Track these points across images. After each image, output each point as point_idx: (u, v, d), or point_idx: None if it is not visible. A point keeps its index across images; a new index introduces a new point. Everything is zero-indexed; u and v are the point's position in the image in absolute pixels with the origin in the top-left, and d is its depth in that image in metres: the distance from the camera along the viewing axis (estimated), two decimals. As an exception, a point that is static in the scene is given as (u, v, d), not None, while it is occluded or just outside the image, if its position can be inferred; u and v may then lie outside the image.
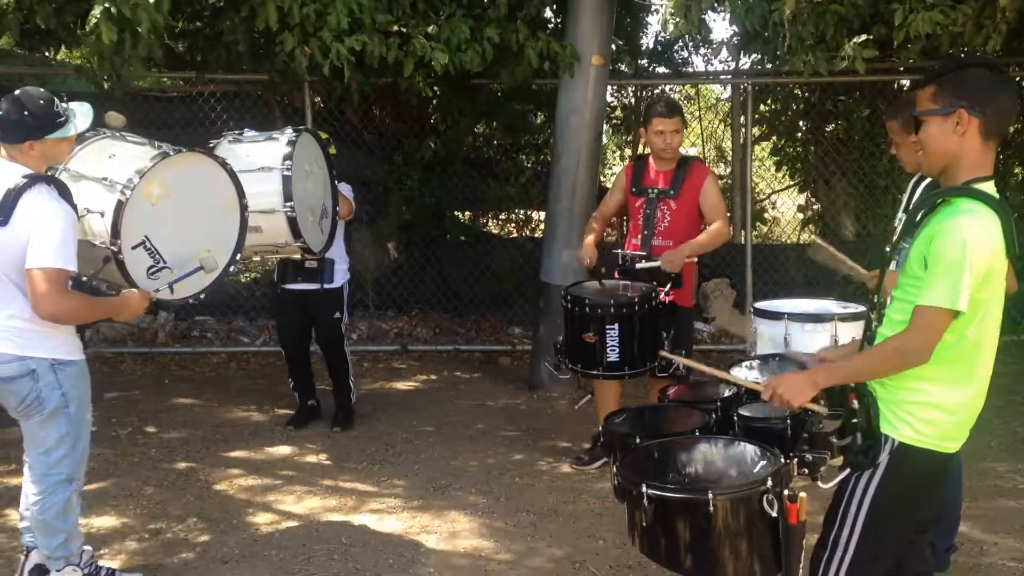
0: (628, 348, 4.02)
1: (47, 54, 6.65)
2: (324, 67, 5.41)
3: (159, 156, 3.44)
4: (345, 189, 5.42)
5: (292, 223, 4.44)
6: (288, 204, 4.38)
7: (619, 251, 4.68)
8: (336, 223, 5.03)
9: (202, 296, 3.77)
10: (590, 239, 4.79)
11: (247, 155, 4.50)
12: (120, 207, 3.29)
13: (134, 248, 3.39)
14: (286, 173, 4.38)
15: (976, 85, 2.25)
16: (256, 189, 4.40)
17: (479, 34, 5.71)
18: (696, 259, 4.70)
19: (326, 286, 5.41)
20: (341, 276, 5.54)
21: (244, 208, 3.85)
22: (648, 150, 4.88)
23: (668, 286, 4.26)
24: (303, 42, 5.41)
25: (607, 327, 4.00)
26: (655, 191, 4.68)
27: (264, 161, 4.41)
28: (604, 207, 5.03)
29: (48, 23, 5.46)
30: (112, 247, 3.30)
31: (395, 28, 5.56)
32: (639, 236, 4.69)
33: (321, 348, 5.78)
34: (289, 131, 4.63)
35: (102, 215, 3.32)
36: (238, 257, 3.88)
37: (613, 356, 4.03)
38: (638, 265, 4.49)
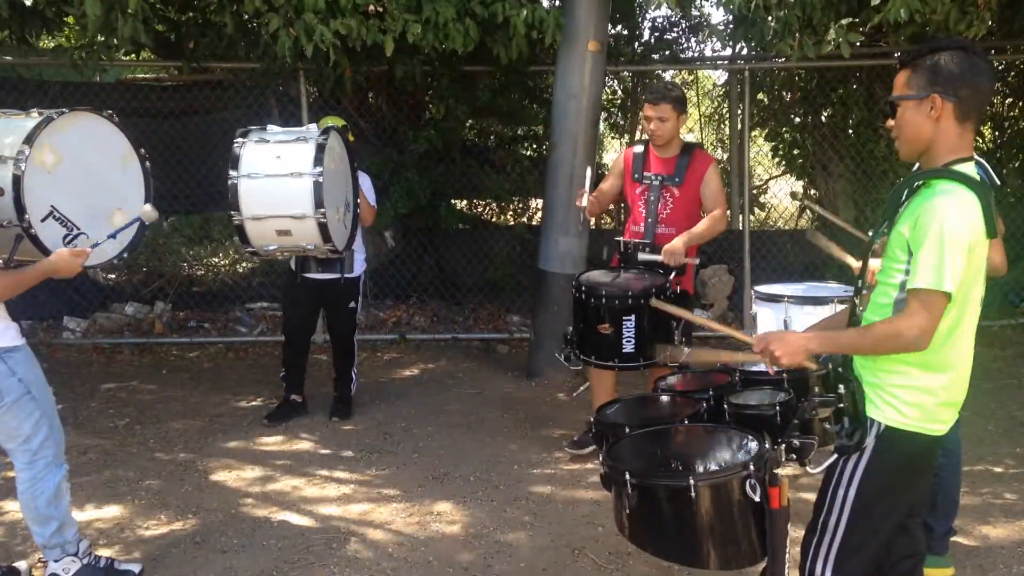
0: (643, 339, 3.99)
1: (30, 40, 6.58)
2: (307, 49, 5.38)
3: (43, 122, 3.34)
4: (365, 182, 5.39)
5: (323, 228, 4.43)
6: (320, 211, 4.36)
7: (620, 239, 4.64)
8: (357, 216, 5.01)
9: (125, 255, 3.72)
10: (582, 197, 4.58)
11: (276, 156, 4.47)
12: (18, 181, 3.20)
13: (43, 220, 3.31)
14: (318, 179, 4.35)
15: (949, 69, 2.25)
16: (286, 194, 4.38)
17: (464, 11, 5.66)
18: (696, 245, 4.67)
19: (346, 276, 5.39)
20: (359, 266, 5.54)
21: (143, 157, 3.77)
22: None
23: (673, 274, 4.26)
24: (288, 24, 5.37)
25: (624, 318, 3.98)
26: (659, 178, 4.63)
27: (294, 166, 4.40)
28: (601, 193, 4.87)
29: (35, 1, 5.42)
30: (21, 224, 3.23)
31: (372, 7, 5.51)
32: (641, 223, 4.65)
33: (332, 337, 5.77)
34: (314, 130, 4.57)
35: (1, 193, 3.24)
36: (148, 208, 3.76)
37: (629, 347, 4.02)
38: (641, 256, 4.47)
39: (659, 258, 4.37)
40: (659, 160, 4.68)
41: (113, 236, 3.51)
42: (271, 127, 4.73)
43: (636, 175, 4.71)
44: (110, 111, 3.71)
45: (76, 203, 3.45)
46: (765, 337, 2.39)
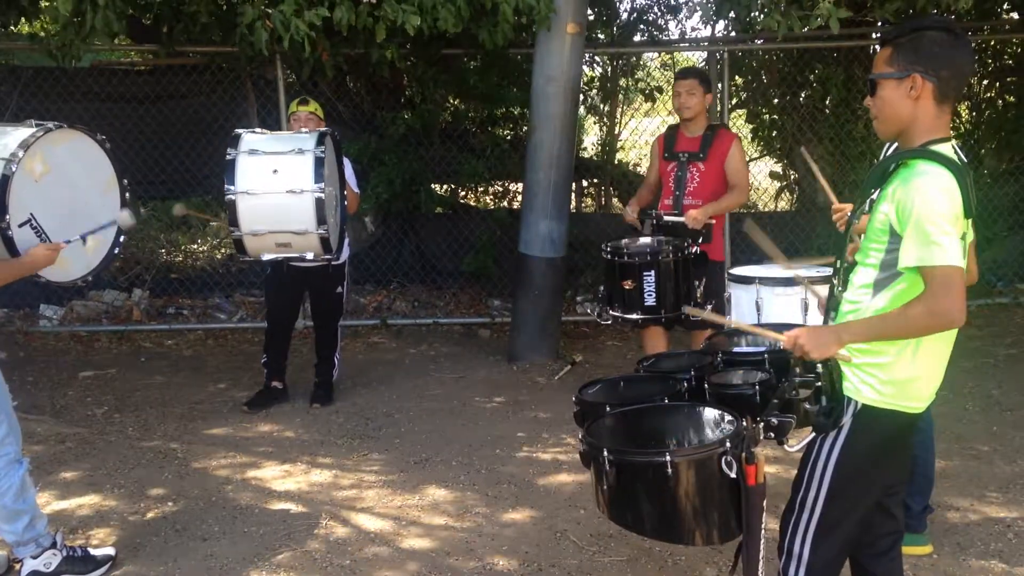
0: (663, 293, 4.40)
1: (7, 27, 6.48)
2: (284, 40, 5.31)
3: (40, 131, 3.37)
4: (347, 168, 5.33)
5: (324, 242, 4.38)
6: (323, 227, 4.30)
7: (653, 211, 5.00)
8: (345, 208, 4.97)
9: (90, 279, 3.71)
10: (634, 203, 5.05)
11: (273, 171, 4.38)
12: (6, 181, 3.20)
13: (20, 226, 3.29)
14: (319, 196, 4.29)
15: (931, 49, 2.24)
16: (287, 210, 4.31)
17: None
18: (726, 216, 5.09)
19: (333, 262, 5.34)
20: (345, 251, 5.49)
21: (125, 188, 3.76)
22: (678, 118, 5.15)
23: (700, 239, 4.62)
24: (264, 15, 5.29)
25: (644, 274, 4.38)
26: (686, 155, 4.99)
27: (294, 182, 4.33)
28: (647, 178, 5.32)
29: None
30: (1, 224, 3.21)
31: None
32: (671, 197, 5.00)
33: (317, 323, 5.76)
34: (308, 139, 4.46)
35: None
36: (121, 239, 3.77)
37: (650, 300, 4.41)
38: (666, 216, 4.84)
39: (682, 219, 4.75)
40: (686, 139, 5.06)
41: (88, 234, 3.50)
42: (259, 131, 4.62)
43: (667, 154, 5.10)
44: (103, 136, 3.72)
45: (53, 217, 3.44)
46: (794, 334, 2.33)
